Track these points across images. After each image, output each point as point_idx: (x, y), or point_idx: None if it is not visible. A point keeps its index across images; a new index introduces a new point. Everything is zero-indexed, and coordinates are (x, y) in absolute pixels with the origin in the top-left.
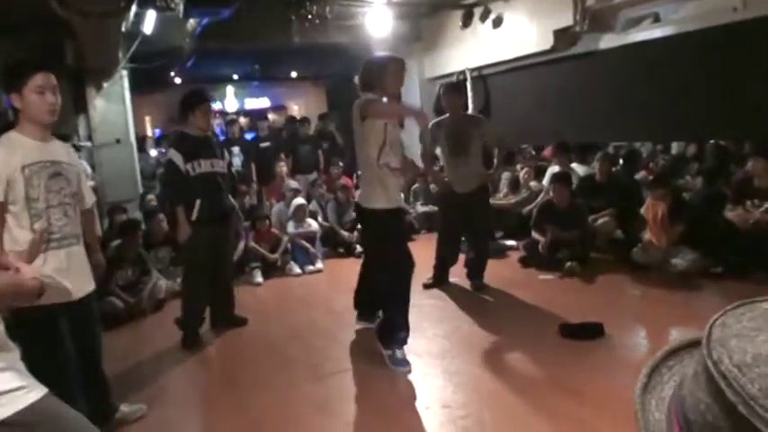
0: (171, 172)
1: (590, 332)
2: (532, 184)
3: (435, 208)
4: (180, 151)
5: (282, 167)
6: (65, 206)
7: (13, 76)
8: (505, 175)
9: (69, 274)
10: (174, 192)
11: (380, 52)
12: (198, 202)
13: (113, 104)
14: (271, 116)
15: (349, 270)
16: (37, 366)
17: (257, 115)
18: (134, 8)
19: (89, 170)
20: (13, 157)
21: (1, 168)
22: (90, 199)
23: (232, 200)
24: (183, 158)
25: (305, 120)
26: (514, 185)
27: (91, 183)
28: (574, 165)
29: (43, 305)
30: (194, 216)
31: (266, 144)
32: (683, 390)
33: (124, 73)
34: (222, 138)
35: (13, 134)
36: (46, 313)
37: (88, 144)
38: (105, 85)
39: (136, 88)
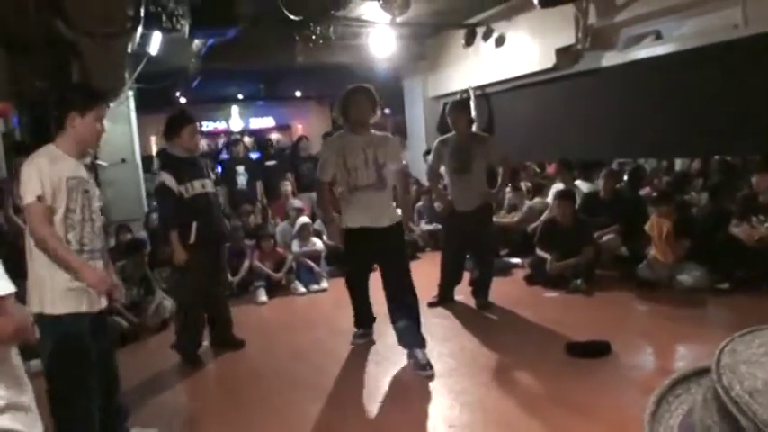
0: (164, 195)
1: (597, 350)
2: (537, 200)
3: (440, 226)
4: (171, 173)
5: (287, 186)
6: (93, 222)
7: (85, 99)
8: (510, 194)
9: None
10: (170, 215)
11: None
12: (194, 224)
13: (119, 124)
14: (274, 136)
15: None
16: (60, 364)
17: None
18: (140, 29)
19: (97, 191)
20: (58, 168)
21: (48, 175)
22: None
23: (225, 219)
24: (176, 180)
25: (303, 138)
26: (514, 204)
27: (99, 203)
28: (577, 182)
29: (71, 313)
30: (192, 239)
31: (272, 162)
32: (693, 417)
33: (130, 93)
34: (226, 157)
35: (55, 149)
36: (75, 319)
37: (104, 164)
38: (111, 105)
39: (141, 108)
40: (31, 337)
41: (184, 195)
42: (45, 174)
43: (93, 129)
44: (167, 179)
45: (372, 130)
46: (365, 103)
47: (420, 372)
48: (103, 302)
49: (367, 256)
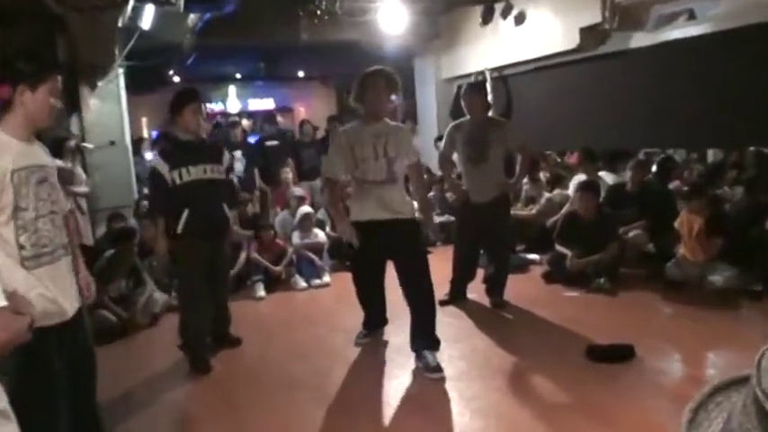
0: (154, 181)
1: (619, 354)
2: (557, 192)
3: (452, 218)
4: (166, 157)
5: (288, 173)
6: (53, 215)
7: (34, 70)
8: (527, 185)
9: (64, 289)
10: (157, 202)
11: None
12: (185, 212)
13: (108, 104)
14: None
15: None
16: (22, 395)
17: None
18: (131, 2)
19: (83, 176)
20: (3, 161)
21: None
22: (66, 203)
23: (227, 211)
24: (170, 166)
25: (305, 122)
26: (532, 196)
27: (85, 188)
28: (602, 173)
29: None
30: (180, 228)
31: (273, 143)
32: (732, 423)
33: (120, 71)
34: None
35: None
36: (36, 337)
37: (91, 146)
38: (100, 83)
39: (132, 87)
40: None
41: (176, 182)
42: None
43: (46, 105)
44: (158, 164)
45: (386, 120)
46: (384, 88)
47: (429, 374)
48: (73, 308)
49: (377, 250)
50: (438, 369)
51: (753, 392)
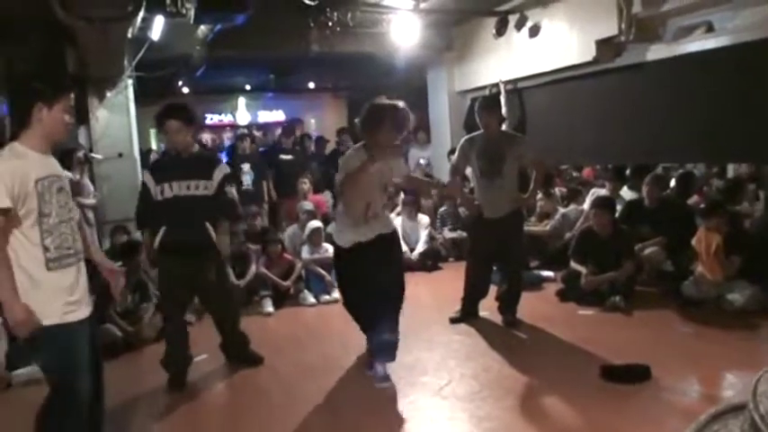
0: (141, 194)
1: (635, 375)
2: (572, 207)
3: (464, 234)
4: (153, 171)
5: (304, 185)
6: (71, 222)
7: (52, 89)
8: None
9: (82, 290)
10: (144, 215)
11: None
12: (162, 229)
13: (117, 115)
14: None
15: None
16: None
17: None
18: (142, 13)
19: (90, 187)
20: (27, 170)
21: (19, 181)
22: (77, 212)
23: (209, 229)
24: (155, 180)
25: (305, 136)
26: (546, 211)
27: (92, 200)
28: (621, 191)
29: (66, 323)
30: (156, 244)
31: (288, 157)
32: None
33: (129, 82)
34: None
35: (19, 146)
36: (71, 330)
37: (99, 156)
38: (109, 94)
39: (141, 98)
40: None
41: (158, 197)
42: (14, 179)
43: (62, 121)
44: (146, 177)
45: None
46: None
47: (378, 384)
48: (89, 310)
49: (364, 269)
50: (386, 379)
51: (750, 418)
